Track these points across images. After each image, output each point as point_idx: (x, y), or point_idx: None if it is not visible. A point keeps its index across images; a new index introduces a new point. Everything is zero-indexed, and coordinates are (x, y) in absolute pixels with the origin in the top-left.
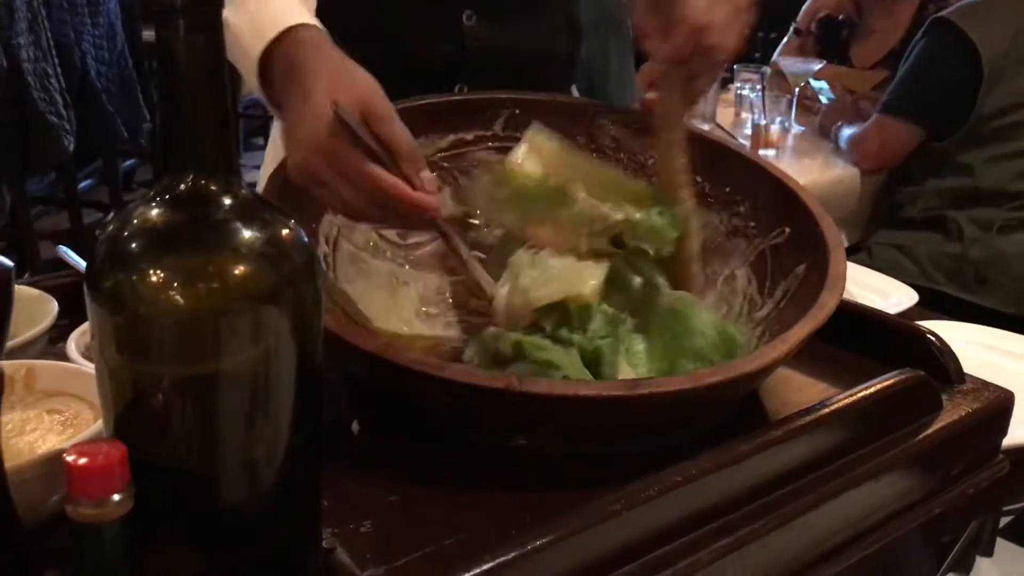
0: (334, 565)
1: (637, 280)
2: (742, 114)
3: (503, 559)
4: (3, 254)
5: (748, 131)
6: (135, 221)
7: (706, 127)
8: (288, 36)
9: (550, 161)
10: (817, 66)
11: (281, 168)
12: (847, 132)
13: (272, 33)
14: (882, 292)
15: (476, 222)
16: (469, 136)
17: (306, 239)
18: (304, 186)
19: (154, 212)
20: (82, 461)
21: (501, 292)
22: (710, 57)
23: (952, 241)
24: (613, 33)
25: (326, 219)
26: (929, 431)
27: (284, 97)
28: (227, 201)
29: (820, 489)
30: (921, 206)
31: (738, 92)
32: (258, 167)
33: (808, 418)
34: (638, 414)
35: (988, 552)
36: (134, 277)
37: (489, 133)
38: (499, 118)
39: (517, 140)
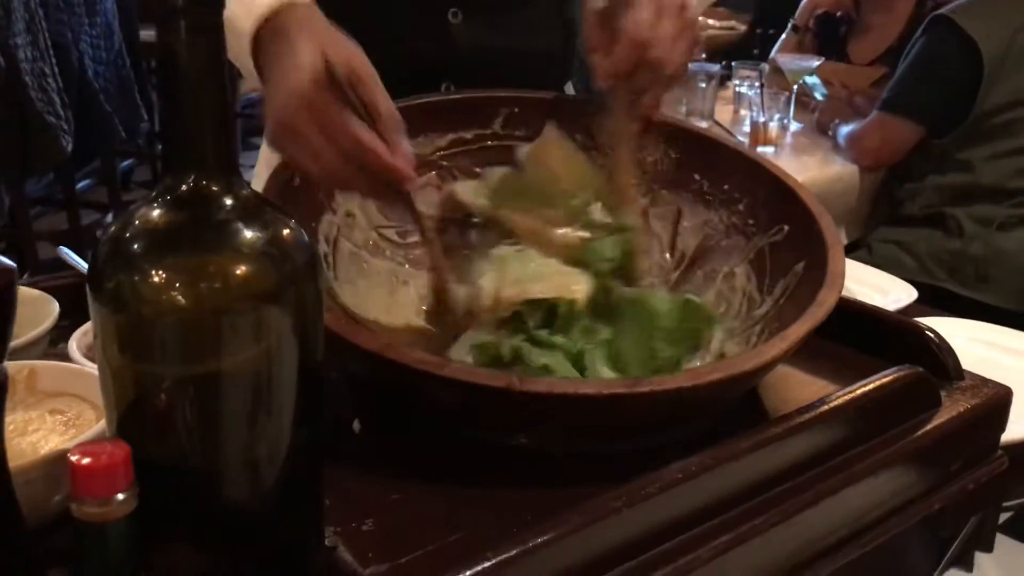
0: (336, 563)
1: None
2: (740, 111)
3: (504, 556)
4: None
5: (747, 128)
6: (137, 222)
7: (704, 124)
8: (280, 12)
9: (560, 163)
10: (815, 63)
11: (279, 169)
12: (846, 129)
13: (265, 11)
14: (881, 289)
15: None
16: (468, 135)
17: (307, 239)
18: (279, 143)
19: (156, 213)
20: (86, 461)
21: (484, 281)
22: (654, 72)
23: (952, 238)
24: None
25: (326, 218)
26: (928, 427)
27: (271, 58)
28: (228, 201)
29: (819, 486)
30: (921, 203)
31: (736, 89)
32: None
33: (807, 415)
34: (638, 412)
35: (988, 548)
36: (136, 277)
37: (488, 132)
38: (498, 117)
39: (516, 139)
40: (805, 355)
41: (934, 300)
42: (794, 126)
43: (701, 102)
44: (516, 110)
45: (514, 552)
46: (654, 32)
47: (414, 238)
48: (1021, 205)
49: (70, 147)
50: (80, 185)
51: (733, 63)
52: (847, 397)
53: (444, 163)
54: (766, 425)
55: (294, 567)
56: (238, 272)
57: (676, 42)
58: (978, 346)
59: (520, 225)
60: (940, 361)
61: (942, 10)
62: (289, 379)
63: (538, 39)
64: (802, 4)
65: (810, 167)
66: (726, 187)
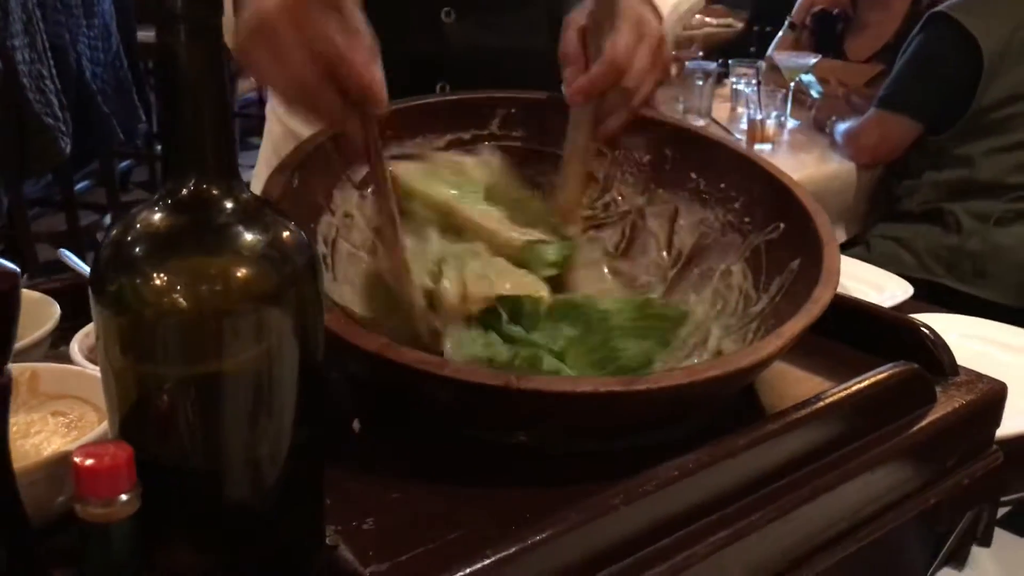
0: (337, 562)
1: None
2: (738, 109)
3: (504, 554)
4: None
5: (744, 126)
6: (138, 225)
7: (702, 122)
8: None
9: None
10: (812, 60)
11: (278, 171)
12: (843, 127)
13: None
14: (877, 285)
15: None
16: (466, 135)
17: (307, 241)
18: (249, 47)
19: (157, 216)
20: (90, 462)
21: (447, 280)
22: (623, 98)
23: (950, 233)
24: None
25: (324, 220)
26: (923, 423)
27: None
28: (229, 205)
29: (816, 482)
30: (919, 199)
31: (734, 87)
32: (254, 167)
33: (803, 412)
34: (636, 409)
35: (986, 542)
36: (138, 280)
37: (486, 132)
38: (496, 117)
39: (514, 139)
40: (801, 352)
41: (932, 296)
42: (791, 123)
43: (698, 100)
44: (513, 111)
45: (513, 550)
46: (631, 60)
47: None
48: (1019, 200)
49: (68, 149)
50: (78, 186)
51: (730, 61)
52: (843, 394)
53: None
54: (762, 422)
55: (296, 566)
56: (239, 274)
57: (649, 73)
58: (974, 342)
59: (473, 221)
60: (935, 357)
61: (940, 7)
62: (290, 379)
63: (532, 39)
64: (799, 2)
65: (807, 164)
66: (722, 185)
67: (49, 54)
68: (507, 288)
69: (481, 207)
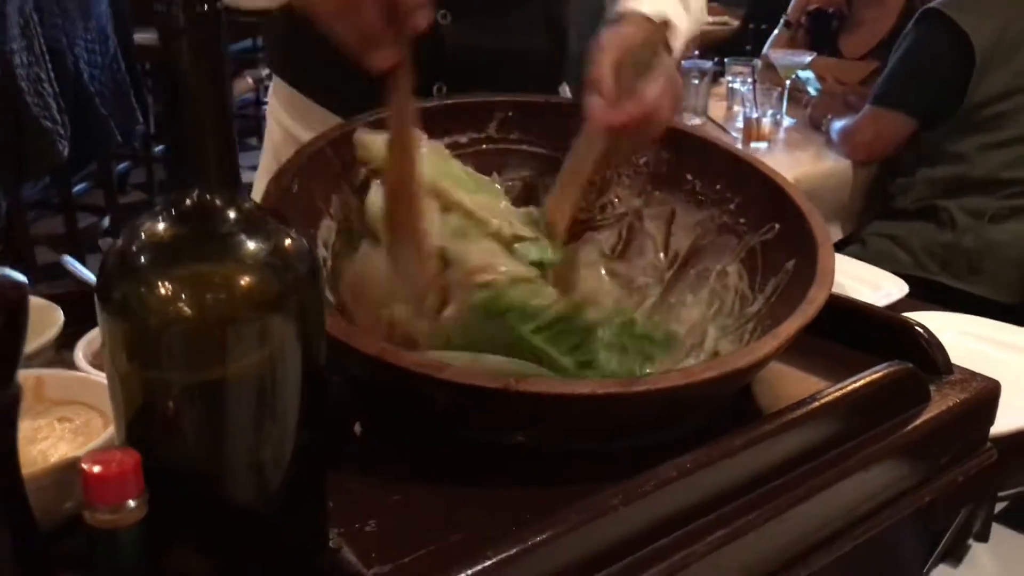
0: (340, 564)
1: None
2: (734, 107)
3: (504, 555)
4: None
5: (740, 124)
6: (143, 235)
7: (698, 121)
8: None
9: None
10: (808, 58)
11: (278, 176)
12: (838, 124)
13: None
14: (873, 284)
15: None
16: (463, 139)
17: (308, 248)
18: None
19: (161, 226)
20: (98, 469)
21: (453, 249)
22: (640, 138)
23: (945, 231)
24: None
25: (324, 224)
26: (918, 422)
27: None
28: (232, 214)
29: (812, 481)
30: (913, 196)
31: (729, 86)
32: (252, 167)
33: (799, 412)
34: (633, 411)
35: (984, 537)
36: (144, 288)
37: (483, 135)
38: (493, 120)
39: (511, 142)
40: (797, 352)
41: (927, 293)
42: (787, 121)
43: (694, 98)
44: (510, 114)
45: (514, 551)
46: (661, 107)
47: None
48: (1012, 197)
49: (66, 152)
50: (76, 188)
51: (726, 59)
52: (838, 393)
53: None
54: (759, 422)
55: (300, 568)
56: (242, 282)
57: (667, 121)
58: (968, 340)
59: (464, 206)
60: (929, 356)
61: (933, 4)
62: (293, 384)
63: (528, 40)
64: (794, 0)
65: (803, 162)
66: (718, 187)
67: (47, 57)
68: (509, 267)
69: (475, 196)
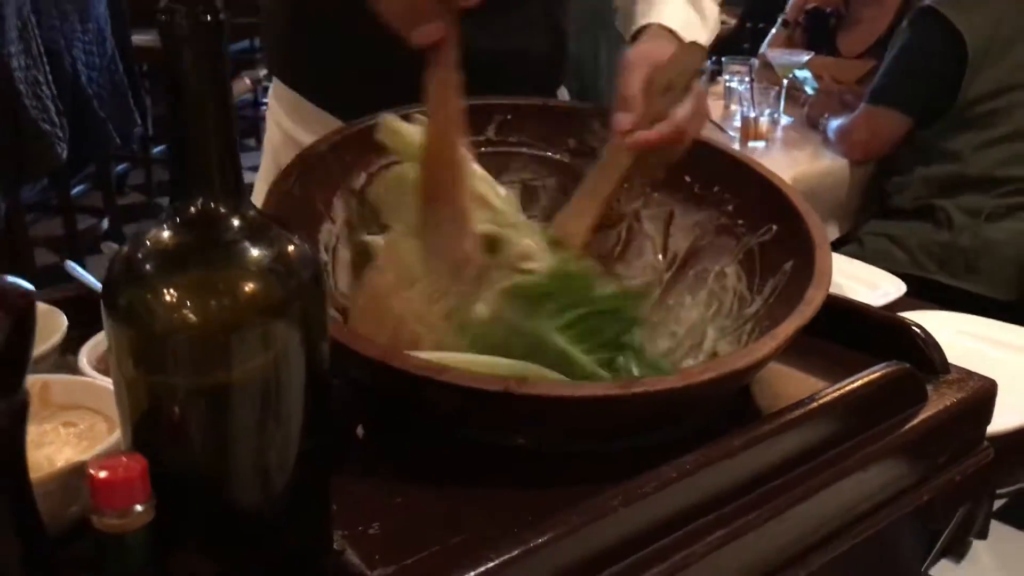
0: (344, 566)
1: None
2: (731, 106)
3: (507, 556)
4: None
5: (737, 123)
6: (149, 243)
7: None
8: None
9: None
10: (805, 57)
11: (280, 180)
12: (835, 123)
13: None
14: (871, 283)
15: None
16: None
17: (312, 254)
18: None
19: (166, 234)
20: (105, 474)
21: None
22: (667, 157)
23: (942, 230)
24: (602, 30)
25: (325, 227)
26: (915, 422)
27: None
28: (236, 222)
29: (811, 481)
30: (910, 195)
31: (727, 85)
32: (250, 168)
33: (797, 412)
34: (633, 412)
35: (983, 535)
36: (149, 296)
37: (482, 138)
38: (491, 123)
39: (510, 145)
40: (795, 352)
41: (925, 292)
42: (784, 120)
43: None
44: (509, 117)
45: (516, 552)
46: (690, 128)
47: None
48: (1008, 195)
49: (65, 154)
50: (75, 190)
51: (723, 58)
52: (836, 394)
53: None
54: (758, 422)
55: (304, 571)
56: (246, 288)
57: (696, 137)
58: (965, 339)
59: (486, 199)
60: (927, 356)
61: (927, 1)
62: (297, 388)
63: (527, 42)
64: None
65: (800, 162)
66: (716, 188)
67: (45, 60)
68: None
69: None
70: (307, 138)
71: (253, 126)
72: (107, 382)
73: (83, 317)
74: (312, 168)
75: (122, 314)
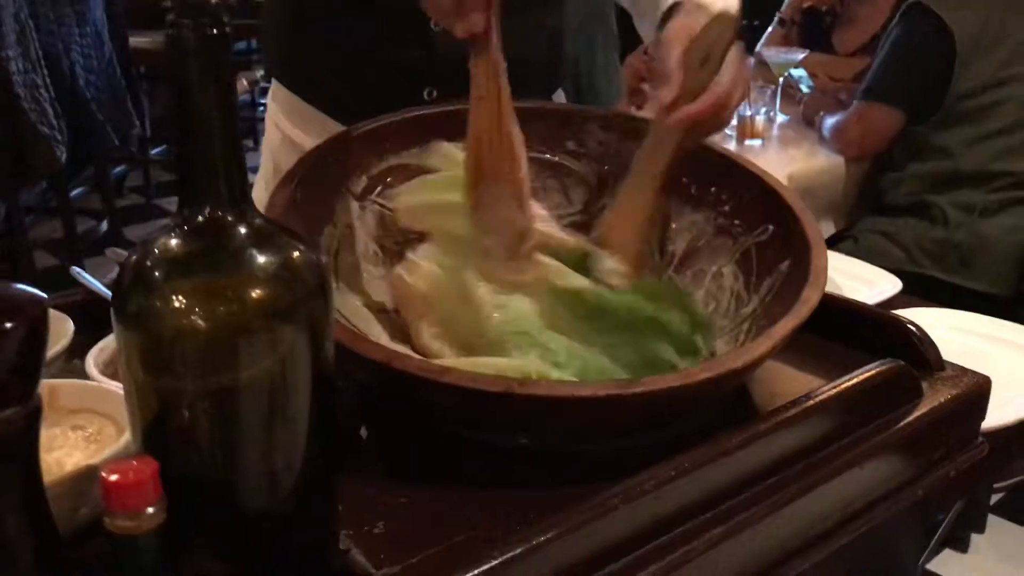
0: (350, 566)
1: None
2: None
3: (510, 554)
4: None
5: (733, 122)
6: (157, 250)
7: None
8: None
9: None
10: (800, 55)
11: (281, 184)
12: (830, 121)
13: None
14: (867, 281)
15: None
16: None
17: (317, 260)
18: None
19: (175, 242)
20: (116, 477)
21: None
22: (711, 130)
23: (937, 226)
24: (599, 29)
25: (326, 231)
26: (910, 418)
27: None
28: (242, 230)
29: (807, 477)
30: (904, 191)
31: None
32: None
33: (793, 410)
34: (632, 411)
35: (980, 528)
36: (158, 302)
37: None
38: None
39: None
40: (793, 350)
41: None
42: (780, 119)
43: None
44: None
45: (519, 550)
46: (733, 97)
47: (410, 250)
48: (1001, 190)
49: (64, 157)
50: (74, 193)
51: None
52: (831, 392)
53: None
54: (755, 421)
55: (311, 570)
56: (253, 294)
57: (740, 104)
58: (960, 335)
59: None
60: (921, 353)
61: None
62: (303, 392)
63: (523, 47)
64: None
65: (796, 160)
66: (713, 189)
67: (43, 63)
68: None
69: None
70: (306, 140)
71: (250, 127)
72: (115, 386)
73: (89, 321)
74: (313, 172)
75: (133, 320)
